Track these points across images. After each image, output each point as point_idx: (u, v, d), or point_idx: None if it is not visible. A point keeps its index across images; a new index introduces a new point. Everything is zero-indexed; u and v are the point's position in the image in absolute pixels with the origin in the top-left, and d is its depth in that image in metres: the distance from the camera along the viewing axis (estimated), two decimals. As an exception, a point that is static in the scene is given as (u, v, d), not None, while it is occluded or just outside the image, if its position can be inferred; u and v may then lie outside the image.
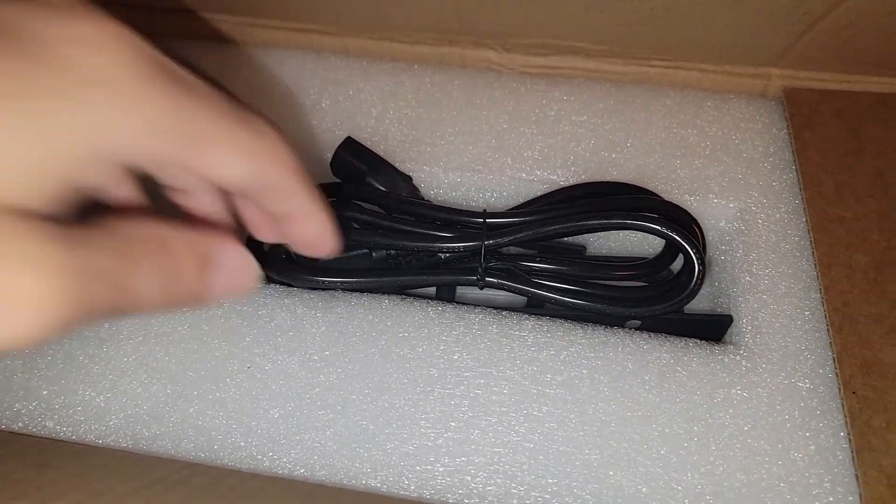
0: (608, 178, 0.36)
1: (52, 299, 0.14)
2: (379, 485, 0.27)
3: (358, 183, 0.35)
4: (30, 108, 0.14)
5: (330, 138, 0.39)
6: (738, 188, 0.36)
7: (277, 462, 0.27)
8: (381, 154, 0.36)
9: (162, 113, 0.16)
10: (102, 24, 0.16)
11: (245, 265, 0.20)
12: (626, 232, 0.37)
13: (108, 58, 0.15)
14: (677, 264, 0.32)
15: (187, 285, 0.18)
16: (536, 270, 0.32)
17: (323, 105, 0.40)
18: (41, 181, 0.14)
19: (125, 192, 0.18)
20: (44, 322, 0.14)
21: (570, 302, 0.30)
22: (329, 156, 0.38)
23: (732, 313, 0.32)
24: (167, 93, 0.16)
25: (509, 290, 0.31)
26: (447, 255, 0.33)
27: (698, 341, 0.30)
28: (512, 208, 0.35)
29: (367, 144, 0.38)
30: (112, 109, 0.15)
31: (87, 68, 0.15)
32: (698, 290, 0.30)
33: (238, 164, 0.18)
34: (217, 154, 0.17)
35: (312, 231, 0.21)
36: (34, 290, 0.14)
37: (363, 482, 0.27)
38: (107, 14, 0.16)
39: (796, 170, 0.36)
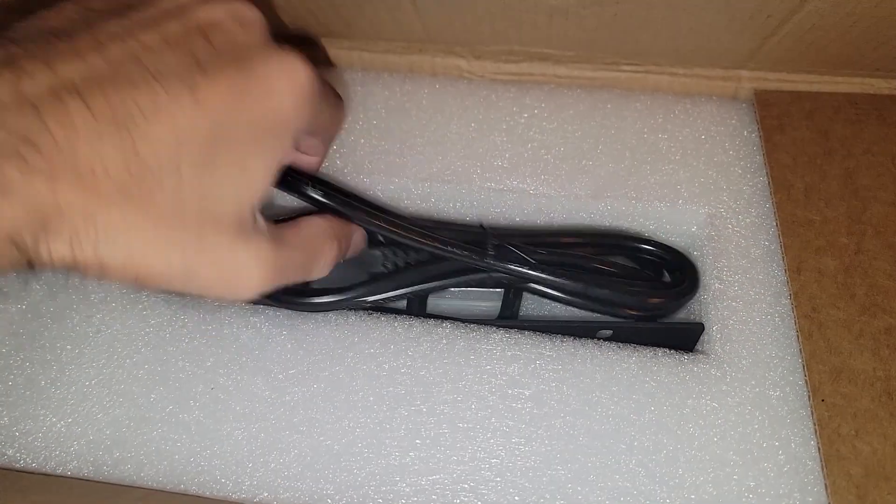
0: (579, 189, 0.36)
1: (263, 280, 0.23)
2: (344, 506, 0.26)
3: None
4: (267, 140, 0.22)
5: (297, 151, 0.38)
6: (708, 193, 0.35)
7: (240, 486, 0.27)
8: (348, 168, 0.36)
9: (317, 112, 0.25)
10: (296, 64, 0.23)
11: (363, 238, 0.31)
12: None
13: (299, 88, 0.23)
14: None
15: (338, 257, 0.28)
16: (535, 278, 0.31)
17: (291, 117, 0.40)
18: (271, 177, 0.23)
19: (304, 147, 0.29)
20: (254, 292, 0.23)
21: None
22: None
23: (704, 321, 0.32)
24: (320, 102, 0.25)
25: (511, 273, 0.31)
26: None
27: (667, 351, 0.30)
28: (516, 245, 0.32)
29: (335, 156, 0.38)
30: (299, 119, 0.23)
31: (284, 97, 0.22)
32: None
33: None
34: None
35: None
36: (255, 276, 0.23)
37: (328, 504, 0.26)
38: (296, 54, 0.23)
39: (767, 173, 0.36)
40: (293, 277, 0.25)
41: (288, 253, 0.24)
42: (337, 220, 0.28)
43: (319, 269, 0.27)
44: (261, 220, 0.23)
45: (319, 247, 0.27)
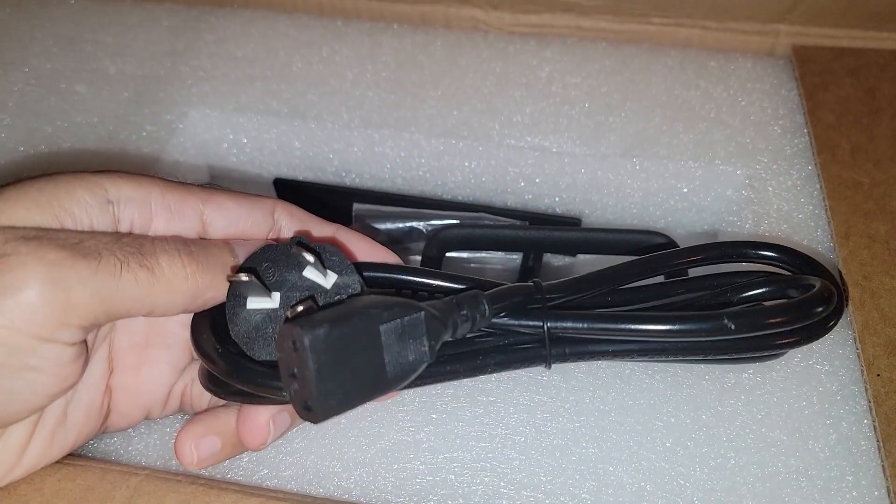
0: (606, 147, 0.33)
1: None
2: (352, 486, 0.24)
3: None
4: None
5: (300, 103, 0.35)
6: (745, 153, 0.33)
7: (238, 462, 0.24)
8: (355, 121, 0.33)
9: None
10: None
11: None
12: (626, 205, 0.34)
13: None
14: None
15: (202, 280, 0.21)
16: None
17: (294, 67, 0.37)
18: None
19: None
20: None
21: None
22: (298, 124, 0.35)
23: (742, 289, 0.29)
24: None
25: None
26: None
27: (706, 321, 0.27)
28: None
29: (342, 110, 0.35)
30: None
31: None
32: None
33: None
34: None
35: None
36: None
37: (335, 483, 0.24)
38: None
39: (808, 133, 0.33)
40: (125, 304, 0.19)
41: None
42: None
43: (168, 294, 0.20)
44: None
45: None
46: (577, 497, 0.23)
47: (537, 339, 0.23)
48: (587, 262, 0.34)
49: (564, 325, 0.22)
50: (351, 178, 0.36)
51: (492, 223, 0.34)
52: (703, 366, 0.26)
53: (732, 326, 0.22)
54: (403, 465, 0.24)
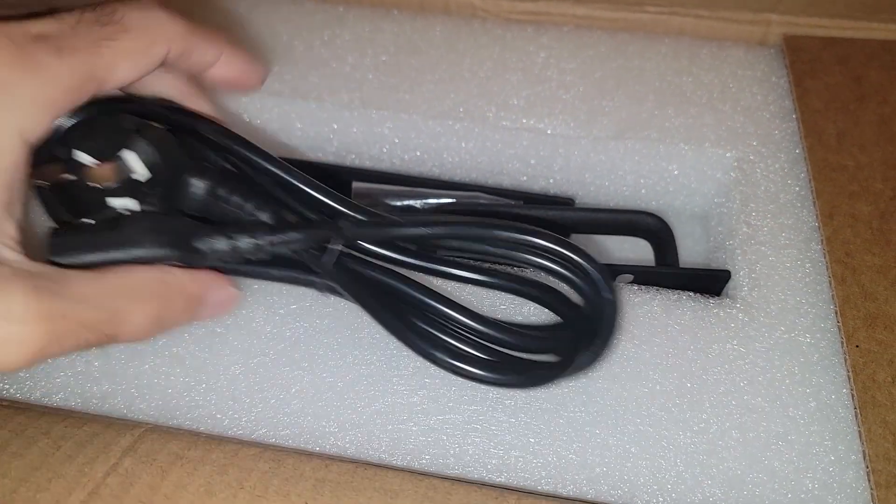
0: (599, 129, 0.34)
1: (24, 352, 0.17)
2: (348, 445, 0.25)
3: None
4: None
5: (302, 85, 0.36)
6: (735, 137, 0.34)
7: (237, 422, 0.25)
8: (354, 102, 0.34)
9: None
10: None
11: (229, 297, 0.24)
12: (618, 186, 0.35)
13: None
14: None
15: (175, 321, 0.22)
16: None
17: (296, 51, 0.38)
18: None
19: None
20: (23, 359, 0.17)
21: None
22: (299, 104, 0.36)
23: (729, 267, 0.30)
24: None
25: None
26: None
27: (692, 294, 0.28)
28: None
29: (342, 91, 0.36)
30: None
31: None
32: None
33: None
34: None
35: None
36: (15, 336, 0.17)
37: (331, 442, 0.25)
38: None
39: (796, 118, 0.34)
40: (83, 343, 0.19)
41: (72, 309, 0.18)
42: (182, 273, 0.22)
43: (130, 333, 0.20)
44: (16, 257, 0.18)
45: (132, 305, 0.20)
46: (563, 458, 0.24)
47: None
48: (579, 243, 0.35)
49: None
50: (350, 158, 0.36)
51: (487, 202, 0.34)
52: (687, 340, 0.27)
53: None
54: (397, 425, 0.25)
